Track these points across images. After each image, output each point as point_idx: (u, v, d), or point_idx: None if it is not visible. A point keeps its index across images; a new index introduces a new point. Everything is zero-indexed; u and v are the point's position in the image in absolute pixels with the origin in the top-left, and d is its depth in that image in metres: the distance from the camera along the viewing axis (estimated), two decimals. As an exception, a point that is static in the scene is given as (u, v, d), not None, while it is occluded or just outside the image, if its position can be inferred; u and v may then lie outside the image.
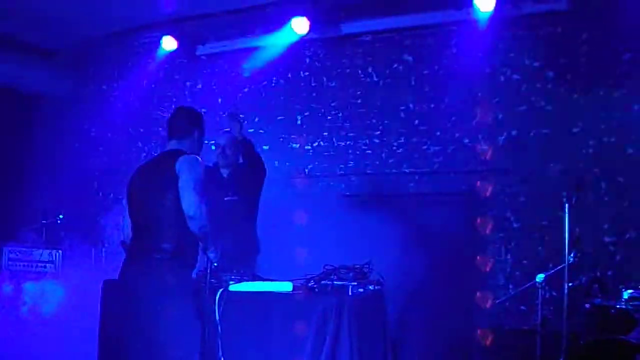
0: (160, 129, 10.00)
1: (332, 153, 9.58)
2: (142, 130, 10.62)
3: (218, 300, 6.31)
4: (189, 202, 5.72)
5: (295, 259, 8.19)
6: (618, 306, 6.54)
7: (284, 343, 6.08)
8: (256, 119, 9.80)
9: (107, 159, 10.76)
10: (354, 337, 6.10)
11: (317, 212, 8.61)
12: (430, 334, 8.26)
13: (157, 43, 10.13)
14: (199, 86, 10.19)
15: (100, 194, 10.83)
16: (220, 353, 6.20)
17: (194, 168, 5.85)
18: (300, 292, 6.43)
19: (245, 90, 9.81)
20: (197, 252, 6.04)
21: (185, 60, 10.32)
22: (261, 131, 9.72)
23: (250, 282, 6.60)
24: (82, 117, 11.16)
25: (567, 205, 7.09)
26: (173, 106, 8.88)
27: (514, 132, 8.62)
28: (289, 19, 9.24)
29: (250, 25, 9.70)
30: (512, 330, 7.93)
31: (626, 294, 6.46)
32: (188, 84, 10.18)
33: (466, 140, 8.82)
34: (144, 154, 10.23)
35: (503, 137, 8.67)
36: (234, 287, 6.47)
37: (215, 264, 6.08)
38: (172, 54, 10.15)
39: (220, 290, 6.37)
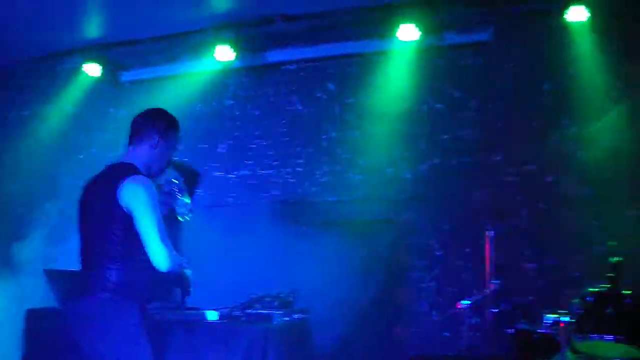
0: (82, 156, 9.89)
1: (255, 182, 9.54)
2: (62, 156, 10.42)
3: (146, 330, 6.23)
4: (157, 255, 4.92)
5: (220, 287, 8.14)
6: (540, 331, 6.62)
7: (212, 373, 6.05)
8: (179, 147, 9.69)
9: (25, 185, 10.53)
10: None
11: (240, 241, 8.57)
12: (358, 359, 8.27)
13: (80, 69, 9.97)
14: (123, 113, 10.06)
15: (18, 221, 10.59)
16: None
17: (146, 198, 4.95)
18: (226, 321, 6.40)
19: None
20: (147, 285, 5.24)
21: (108, 87, 10.18)
22: (185, 159, 9.63)
23: (175, 311, 6.54)
24: (2, 142, 10.93)
25: (488, 232, 7.20)
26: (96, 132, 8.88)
27: (436, 161, 8.71)
28: (213, 47, 9.20)
29: (174, 52, 9.62)
30: (437, 357, 7.97)
31: (548, 319, 6.54)
32: (111, 110, 10.04)
33: (389, 169, 8.87)
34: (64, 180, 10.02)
35: (426, 166, 8.75)
36: (160, 316, 6.40)
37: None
38: (96, 80, 10.00)
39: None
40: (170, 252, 4.93)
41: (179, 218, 5.70)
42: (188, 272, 5.68)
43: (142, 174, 5.11)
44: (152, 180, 5.18)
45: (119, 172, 5.05)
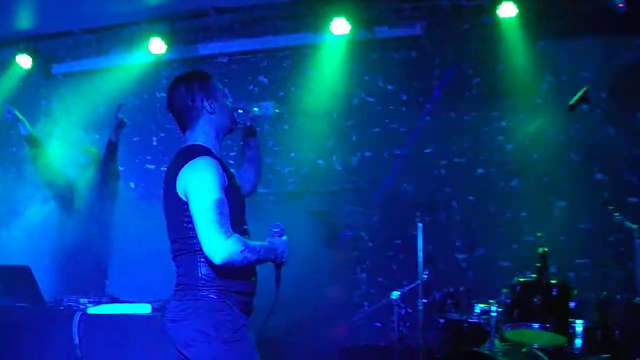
0: (15, 148, 9.76)
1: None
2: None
3: (77, 324, 6.20)
4: (206, 245, 4.21)
5: (152, 279, 8.11)
6: (471, 320, 6.73)
7: (145, 366, 6.04)
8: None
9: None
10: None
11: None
12: (290, 351, 8.29)
13: (13, 60, 9.79)
14: (55, 105, 9.94)
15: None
16: (80, 377, 6.11)
17: (204, 185, 4.26)
18: (159, 313, 6.39)
19: (101, 109, 9.62)
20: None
21: (40, 79, 10.06)
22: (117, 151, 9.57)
23: (108, 305, 6.51)
24: None
25: (420, 224, 7.28)
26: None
27: (368, 153, 8.78)
28: (146, 40, 9.15)
29: (106, 45, 9.55)
30: (369, 347, 8.05)
31: (478, 309, 6.63)
32: (43, 102, 9.92)
33: (320, 161, 8.92)
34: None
35: (357, 158, 8.83)
36: (92, 309, 6.37)
37: None
38: (27, 72, 9.87)
39: (79, 313, 6.27)
40: (225, 240, 4.13)
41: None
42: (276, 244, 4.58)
43: (203, 155, 4.38)
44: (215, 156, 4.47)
45: (181, 160, 4.45)
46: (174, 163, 4.49)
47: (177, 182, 4.41)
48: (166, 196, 4.60)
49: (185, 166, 4.34)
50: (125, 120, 7.52)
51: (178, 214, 4.49)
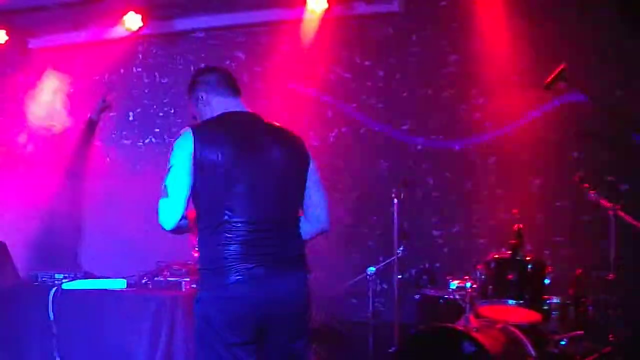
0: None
1: (163, 150, 9.46)
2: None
3: (52, 299, 6.19)
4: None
5: (127, 254, 8.11)
6: (446, 296, 6.79)
7: (119, 340, 6.03)
8: (88, 115, 9.60)
9: None
10: (189, 333, 6.09)
11: (149, 209, 8.52)
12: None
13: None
14: (32, 80, 9.83)
15: None
16: (56, 353, 6.10)
17: None
18: (134, 289, 6.39)
19: (78, 85, 9.56)
20: None
21: (16, 54, 9.92)
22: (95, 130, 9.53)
23: (83, 280, 6.50)
24: None
25: (395, 200, 7.30)
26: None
27: (344, 129, 8.78)
28: (122, 14, 9.07)
29: (83, 20, 9.42)
30: (345, 322, 8.07)
31: (453, 285, 6.67)
32: (21, 77, 9.80)
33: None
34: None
35: (334, 134, 8.82)
36: (67, 285, 6.36)
37: None
38: (3, 46, 9.75)
39: (54, 288, 6.26)
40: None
41: None
42: None
43: None
44: None
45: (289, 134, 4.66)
46: (277, 131, 4.61)
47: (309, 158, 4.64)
48: (296, 170, 4.54)
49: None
50: (110, 105, 7.51)
51: (303, 188, 4.57)
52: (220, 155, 4.21)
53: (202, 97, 4.56)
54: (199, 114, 4.60)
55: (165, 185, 4.17)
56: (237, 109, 4.54)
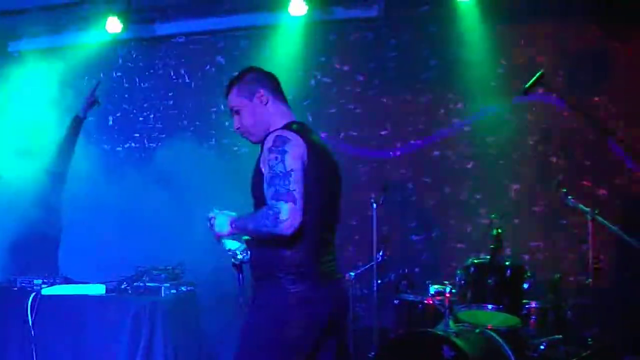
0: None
1: (143, 155, 9.47)
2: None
3: (31, 305, 6.18)
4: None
5: (106, 259, 8.08)
6: (425, 301, 6.79)
7: (99, 346, 6.02)
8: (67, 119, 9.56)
9: None
10: (168, 338, 6.11)
11: (128, 213, 8.52)
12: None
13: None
14: (12, 83, 9.78)
15: None
16: (35, 359, 6.08)
17: None
18: (113, 294, 6.38)
19: (58, 88, 9.51)
20: None
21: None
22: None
23: (62, 285, 6.49)
24: None
25: (374, 205, 7.32)
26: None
27: (323, 134, 8.78)
28: (103, 18, 9.04)
29: (63, 23, 9.41)
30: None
31: (432, 289, 6.71)
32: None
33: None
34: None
35: (313, 139, 8.81)
36: (46, 290, 6.35)
37: None
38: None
39: (33, 294, 6.25)
40: None
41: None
42: None
43: None
44: None
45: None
46: (329, 148, 4.56)
47: None
48: (340, 185, 4.57)
49: None
50: (99, 99, 7.49)
51: None
52: (323, 166, 4.29)
53: (262, 93, 4.47)
54: (251, 111, 4.48)
55: (291, 190, 4.05)
56: (299, 121, 4.51)
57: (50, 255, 7.72)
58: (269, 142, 4.19)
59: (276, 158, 4.10)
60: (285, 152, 4.11)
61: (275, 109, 4.48)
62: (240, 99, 4.51)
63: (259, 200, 4.22)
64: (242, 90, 4.52)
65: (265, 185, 4.13)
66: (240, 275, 4.54)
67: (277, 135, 4.19)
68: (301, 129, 4.32)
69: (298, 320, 4.17)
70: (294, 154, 4.12)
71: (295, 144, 4.15)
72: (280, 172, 4.07)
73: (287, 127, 4.33)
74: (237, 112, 4.53)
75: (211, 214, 4.48)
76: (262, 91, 4.46)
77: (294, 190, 4.05)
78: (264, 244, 4.26)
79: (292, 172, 4.08)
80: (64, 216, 7.83)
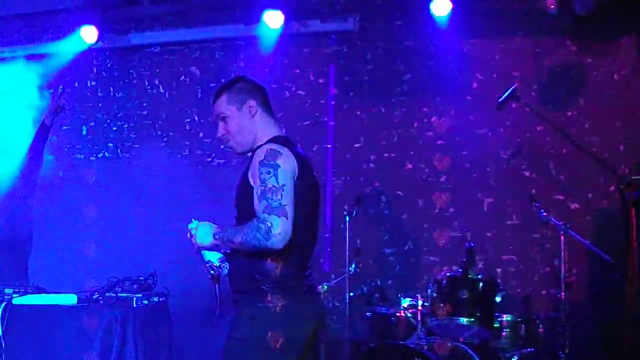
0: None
1: (116, 164, 9.42)
2: None
3: (1, 314, 6.13)
4: None
5: (79, 269, 8.05)
6: (397, 314, 6.81)
7: (70, 356, 5.97)
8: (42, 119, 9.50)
9: None
10: (140, 349, 6.07)
11: (102, 223, 8.49)
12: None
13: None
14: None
15: None
16: (4, 370, 6.04)
17: None
18: (85, 304, 6.35)
19: (31, 96, 9.46)
20: None
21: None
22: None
23: (34, 295, 6.44)
24: None
25: (347, 217, 7.33)
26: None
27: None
28: (78, 27, 9.01)
29: (38, 32, 9.38)
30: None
31: (405, 302, 6.73)
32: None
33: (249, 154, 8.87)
34: None
35: (287, 151, 8.80)
36: (17, 300, 6.30)
37: None
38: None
39: (4, 303, 6.20)
40: None
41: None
42: None
43: None
44: None
45: None
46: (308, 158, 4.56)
47: None
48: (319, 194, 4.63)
49: None
50: (65, 105, 7.44)
51: None
52: (308, 181, 4.32)
53: (252, 104, 4.49)
54: (238, 120, 4.50)
55: (283, 205, 4.06)
56: (285, 135, 4.53)
57: (19, 264, 7.67)
58: (260, 155, 4.20)
59: (268, 172, 4.11)
60: (277, 166, 4.13)
61: (263, 121, 4.50)
62: (229, 106, 4.52)
63: (244, 213, 4.23)
64: (231, 98, 4.53)
65: (255, 199, 4.13)
66: (218, 287, 4.52)
67: (269, 149, 4.21)
68: (289, 143, 4.35)
69: (285, 335, 4.15)
70: (286, 169, 4.15)
71: (287, 159, 4.18)
72: (273, 186, 4.08)
73: (276, 140, 4.34)
74: (224, 120, 4.55)
75: (192, 225, 4.46)
76: (252, 102, 4.48)
77: (286, 204, 4.07)
78: (246, 256, 4.26)
79: (284, 187, 4.09)
80: (36, 225, 7.79)
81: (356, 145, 8.58)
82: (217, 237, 4.31)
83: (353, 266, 7.34)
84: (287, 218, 4.05)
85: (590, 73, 7.93)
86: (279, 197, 4.06)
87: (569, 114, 7.91)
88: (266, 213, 4.04)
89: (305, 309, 4.25)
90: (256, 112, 4.47)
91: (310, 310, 4.30)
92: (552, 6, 7.65)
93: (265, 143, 4.32)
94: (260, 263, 4.19)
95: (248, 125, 4.48)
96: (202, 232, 4.38)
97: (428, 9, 8.11)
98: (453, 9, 8.04)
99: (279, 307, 4.17)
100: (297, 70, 8.85)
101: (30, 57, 9.22)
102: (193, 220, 4.49)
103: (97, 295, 6.39)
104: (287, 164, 4.16)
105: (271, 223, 4.02)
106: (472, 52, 8.25)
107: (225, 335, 4.30)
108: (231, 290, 4.41)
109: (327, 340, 7.39)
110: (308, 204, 4.30)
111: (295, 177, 4.18)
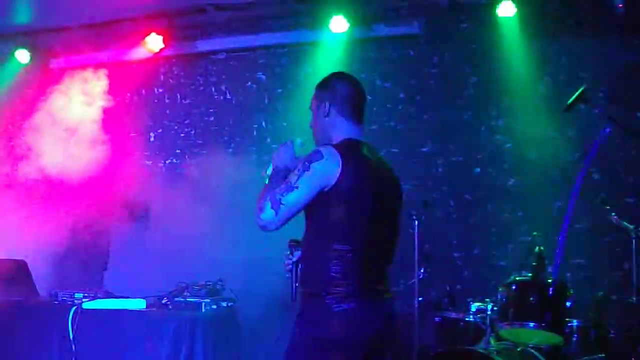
0: (12, 143, 9.73)
1: (183, 170, 9.50)
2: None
3: (72, 318, 6.22)
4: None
5: (149, 275, 8.12)
6: (466, 319, 6.76)
7: (139, 360, 6.06)
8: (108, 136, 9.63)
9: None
10: (208, 354, 6.14)
11: (170, 230, 8.56)
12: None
13: (12, 55, 9.80)
14: (53, 100, 9.85)
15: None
16: (75, 372, 6.14)
17: None
18: (154, 309, 6.42)
19: (98, 105, 9.59)
20: None
21: (38, 73, 9.94)
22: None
23: (103, 300, 6.53)
24: None
25: (416, 222, 7.30)
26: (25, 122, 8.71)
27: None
28: (144, 35, 9.14)
29: (105, 40, 9.49)
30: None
31: (474, 307, 6.68)
32: (42, 97, 9.81)
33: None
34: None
35: (356, 156, 8.79)
36: (87, 304, 6.39)
37: None
38: (25, 66, 9.84)
39: (74, 307, 6.29)
40: None
41: None
42: None
43: None
44: None
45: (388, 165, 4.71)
46: (389, 167, 4.68)
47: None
48: (398, 203, 4.73)
49: None
50: None
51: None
52: (367, 186, 4.31)
53: (326, 104, 4.50)
54: (315, 117, 4.57)
55: (282, 203, 4.16)
56: (358, 139, 4.51)
57: (97, 269, 7.82)
58: (310, 151, 4.26)
59: (298, 169, 4.20)
60: (307, 169, 4.16)
61: (337, 122, 4.50)
62: (314, 101, 4.61)
63: (308, 212, 4.28)
64: (316, 94, 4.61)
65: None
66: (294, 278, 4.55)
67: (316, 151, 4.23)
68: (349, 148, 4.31)
69: (339, 341, 4.16)
70: (315, 174, 4.16)
71: (325, 164, 4.16)
72: (290, 182, 4.17)
73: (342, 143, 4.35)
74: (312, 112, 4.62)
75: (288, 141, 4.59)
76: (326, 102, 4.48)
77: (284, 204, 4.14)
78: (310, 259, 4.31)
79: (296, 190, 4.15)
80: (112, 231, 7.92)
81: (423, 150, 8.55)
82: (273, 170, 4.46)
83: (422, 271, 7.31)
84: (275, 214, 4.12)
85: (660, 72, 7.81)
86: (285, 194, 4.14)
87: (639, 115, 7.79)
88: (269, 197, 4.15)
89: (364, 316, 4.20)
90: (329, 113, 4.48)
91: (372, 317, 4.24)
92: (621, 5, 7.53)
93: (328, 144, 4.33)
94: (321, 266, 4.20)
95: (322, 123, 4.51)
96: (282, 154, 4.52)
97: (494, 11, 8.07)
98: (518, 11, 7.98)
99: (334, 313, 4.16)
100: (363, 75, 8.80)
101: (97, 66, 9.36)
102: (296, 139, 4.59)
103: (166, 300, 6.47)
104: (319, 171, 4.16)
105: (263, 208, 4.15)
106: (539, 54, 8.17)
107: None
108: (300, 292, 4.44)
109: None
110: (361, 209, 4.24)
111: (331, 185, 4.15)
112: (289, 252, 4.56)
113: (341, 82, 4.60)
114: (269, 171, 4.49)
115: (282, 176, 4.33)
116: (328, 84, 4.59)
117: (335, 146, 4.26)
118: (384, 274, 4.44)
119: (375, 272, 4.35)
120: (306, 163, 4.16)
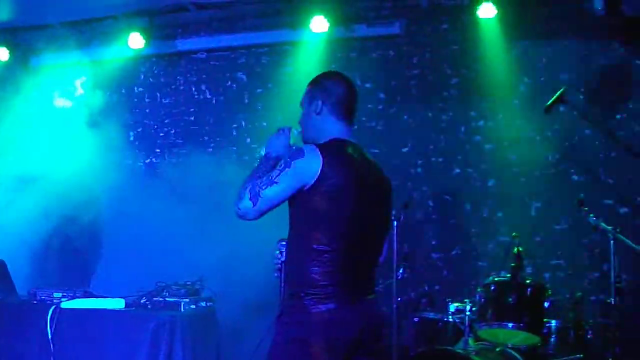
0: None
1: (163, 170, 9.47)
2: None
3: (50, 318, 6.20)
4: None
5: (128, 275, 8.11)
6: (445, 319, 6.77)
7: (117, 360, 6.04)
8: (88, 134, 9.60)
9: None
10: (187, 354, 6.12)
11: (149, 229, 8.53)
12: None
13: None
14: (34, 97, 9.81)
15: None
16: (53, 372, 6.12)
17: None
18: (133, 308, 6.40)
19: (79, 102, 9.56)
20: None
21: (18, 71, 9.88)
22: (94, 147, 9.52)
23: (82, 299, 6.51)
24: None
25: (395, 222, 7.30)
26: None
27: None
28: (125, 34, 9.11)
29: (86, 38, 9.47)
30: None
31: (452, 307, 6.68)
32: (21, 95, 9.78)
33: (296, 159, 8.89)
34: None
35: (335, 156, 8.79)
36: (66, 304, 6.37)
37: None
38: (5, 64, 9.76)
39: (53, 307, 6.27)
40: None
41: None
42: None
43: None
44: None
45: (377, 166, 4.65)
46: (376, 167, 4.61)
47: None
48: (386, 203, 4.63)
49: None
50: None
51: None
52: (351, 185, 4.24)
53: (318, 103, 4.45)
54: (306, 114, 4.52)
55: (261, 196, 4.17)
56: (344, 139, 4.48)
57: (87, 270, 7.80)
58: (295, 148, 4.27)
59: (280, 164, 4.19)
60: (289, 165, 4.15)
61: (328, 121, 4.47)
62: (304, 98, 4.55)
63: (290, 206, 4.28)
64: (309, 91, 4.55)
65: None
66: (282, 277, 4.56)
67: (300, 148, 4.22)
68: (333, 148, 4.29)
69: (317, 342, 4.11)
70: (296, 172, 4.14)
71: (305, 163, 4.14)
72: (271, 176, 4.16)
73: (329, 143, 4.33)
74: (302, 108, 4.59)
75: (286, 128, 4.55)
76: (319, 101, 4.44)
77: (262, 197, 4.15)
78: (292, 263, 4.29)
79: (276, 185, 4.15)
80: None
81: (403, 150, 8.56)
82: (264, 157, 4.42)
83: (401, 271, 7.31)
84: (253, 205, 4.14)
85: (639, 75, 7.84)
86: (264, 187, 4.15)
87: (618, 116, 7.83)
88: (250, 188, 4.18)
89: (344, 317, 4.15)
90: (321, 112, 4.45)
91: (352, 318, 4.18)
92: (600, 8, 7.56)
93: (314, 144, 4.30)
94: (300, 268, 4.18)
95: (312, 121, 4.48)
96: (276, 141, 4.49)
97: (474, 12, 8.09)
98: (499, 12, 8.01)
99: (313, 314, 4.13)
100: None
101: (77, 64, 9.33)
102: (292, 128, 4.55)
103: (145, 300, 6.44)
104: (300, 167, 4.13)
105: (242, 197, 4.17)
106: (519, 55, 8.21)
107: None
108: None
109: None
110: (342, 208, 4.18)
111: (315, 181, 4.11)
112: (278, 252, 4.56)
113: (336, 82, 4.55)
114: (262, 152, 4.47)
115: (271, 165, 4.31)
116: (322, 83, 4.53)
117: (319, 146, 4.23)
118: (368, 275, 4.39)
119: (357, 273, 4.27)
120: (288, 159, 4.15)
